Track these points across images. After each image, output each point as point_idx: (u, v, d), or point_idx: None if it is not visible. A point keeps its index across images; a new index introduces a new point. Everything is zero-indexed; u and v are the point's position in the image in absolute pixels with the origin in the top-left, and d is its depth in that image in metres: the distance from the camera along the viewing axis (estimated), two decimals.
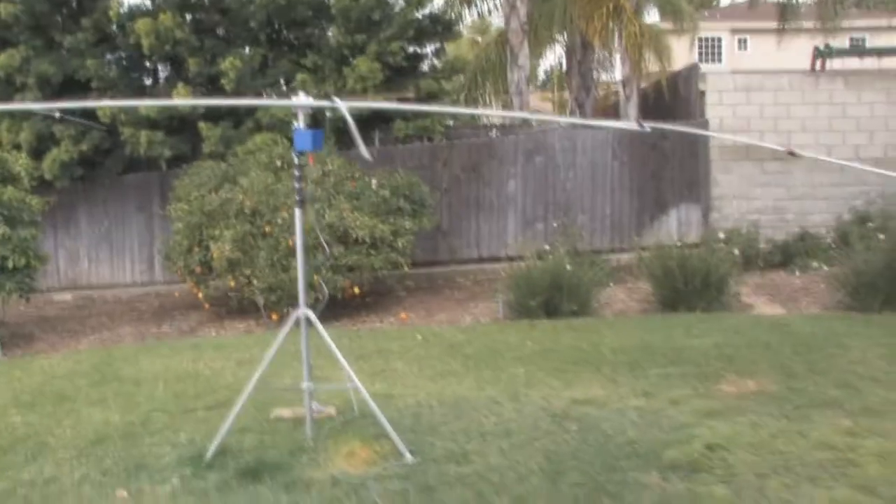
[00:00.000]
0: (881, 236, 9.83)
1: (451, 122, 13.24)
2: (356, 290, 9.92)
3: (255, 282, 9.64)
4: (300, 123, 4.52)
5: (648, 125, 4.49)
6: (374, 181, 10.37)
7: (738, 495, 4.02)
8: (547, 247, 9.94)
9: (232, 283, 9.97)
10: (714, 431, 4.84)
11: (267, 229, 9.66)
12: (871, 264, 8.83)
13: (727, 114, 12.78)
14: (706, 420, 5.09)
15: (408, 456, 4.51)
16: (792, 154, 4.70)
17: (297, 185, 4.62)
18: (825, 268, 10.76)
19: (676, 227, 12.73)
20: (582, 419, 5.16)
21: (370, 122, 12.18)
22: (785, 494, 4.01)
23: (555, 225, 11.04)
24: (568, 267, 9.06)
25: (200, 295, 10.56)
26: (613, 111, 17.25)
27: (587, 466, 4.35)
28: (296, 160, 4.61)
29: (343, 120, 10.86)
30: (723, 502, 3.95)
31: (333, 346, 4.67)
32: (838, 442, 4.63)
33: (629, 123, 5.83)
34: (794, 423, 5.01)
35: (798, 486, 4.08)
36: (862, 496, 3.95)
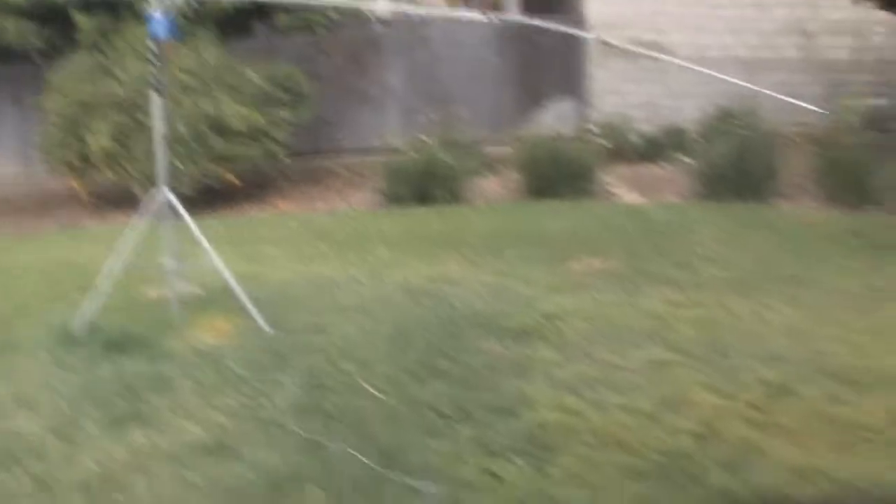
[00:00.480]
0: (742, 132, 10.33)
1: (335, 16, 13.14)
2: (235, 180, 10.02)
3: (133, 173, 9.64)
4: (155, 12, 4.64)
5: (494, 16, 4.75)
6: (253, 72, 10.37)
7: (565, 357, 4.45)
8: (425, 138, 10.13)
9: (111, 175, 9.94)
10: (555, 304, 5.27)
11: (144, 120, 9.62)
12: (725, 157, 9.38)
13: (604, 10, 13.00)
14: (551, 295, 5.51)
15: (266, 328, 4.82)
16: (606, 44, 5.01)
17: (153, 70, 4.77)
18: (690, 161, 11.28)
19: (554, 120, 13.06)
20: (435, 294, 5.52)
21: (252, 13, 12.00)
22: (607, 355, 4.46)
23: (433, 117, 11.25)
24: (441, 157, 9.34)
25: (80, 188, 10.50)
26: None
27: (431, 335, 4.72)
28: (152, 47, 4.74)
29: (225, 11, 10.61)
30: (550, 364, 4.37)
31: (193, 226, 4.90)
32: (663, 312, 5.12)
33: (475, 14, 6.06)
34: (630, 296, 5.47)
35: (621, 348, 4.54)
36: (673, 355, 4.44)
